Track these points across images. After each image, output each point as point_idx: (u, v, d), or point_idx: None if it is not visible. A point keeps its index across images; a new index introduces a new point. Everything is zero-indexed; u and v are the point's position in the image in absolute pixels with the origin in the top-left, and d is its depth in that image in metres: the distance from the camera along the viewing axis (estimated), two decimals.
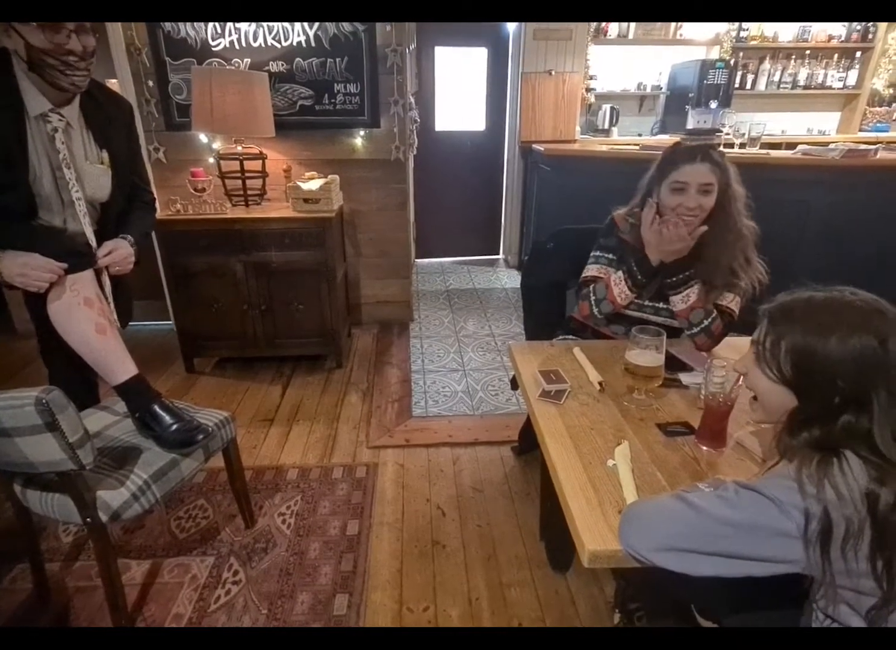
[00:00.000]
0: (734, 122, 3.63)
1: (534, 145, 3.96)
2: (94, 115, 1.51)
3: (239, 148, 2.69)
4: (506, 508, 1.86)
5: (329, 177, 2.79)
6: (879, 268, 2.78)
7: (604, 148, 3.70)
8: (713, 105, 4.04)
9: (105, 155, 1.54)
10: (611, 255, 1.60)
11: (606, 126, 4.48)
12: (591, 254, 1.64)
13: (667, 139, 3.99)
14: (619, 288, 1.54)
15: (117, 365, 1.45)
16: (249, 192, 2.74)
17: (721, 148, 3.34)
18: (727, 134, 3.62)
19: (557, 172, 3.62)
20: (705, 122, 4.15)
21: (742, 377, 1.14)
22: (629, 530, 0.84)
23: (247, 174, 2.71)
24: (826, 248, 2.89)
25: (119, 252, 1.56)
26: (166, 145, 2.92)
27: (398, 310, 3.45)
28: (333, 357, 2.87)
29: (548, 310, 1.95)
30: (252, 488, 1.91)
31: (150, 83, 2.81)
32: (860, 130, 4.64)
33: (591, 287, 1.59)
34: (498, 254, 4.89)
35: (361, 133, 3.03)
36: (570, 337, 1.71)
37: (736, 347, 1.51)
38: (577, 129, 4.26)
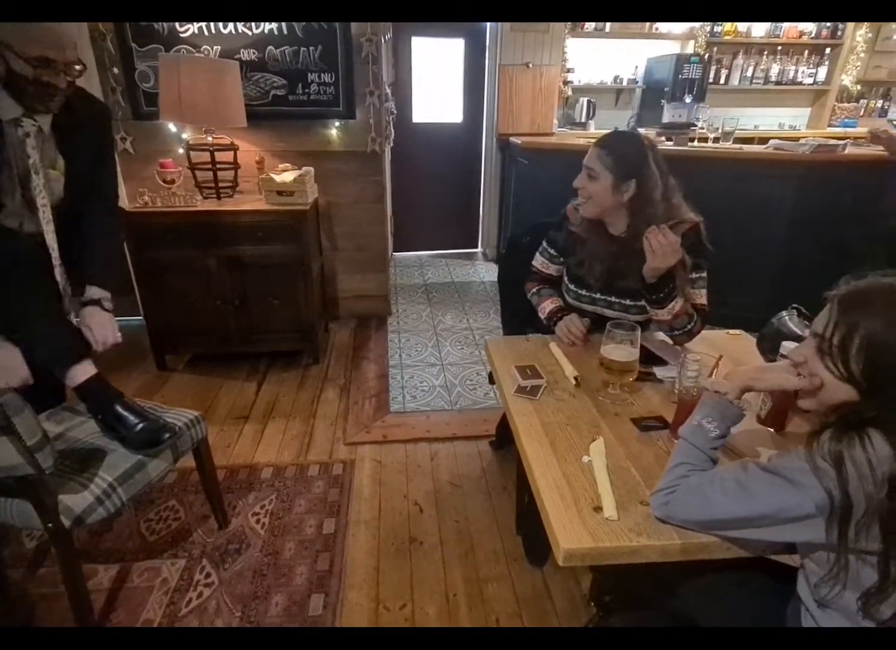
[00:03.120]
0: (708, 116, 3.66)
1: (511, 138, 3.94)
2: (64, 120, 1.44)
3: (209, 138, 2.62)
4: (483, 503, 1.86)
5: (303, 169, 2.73)
6: (849, 261, 2.84)
7: (581, 141, 3.70)
8: (688, 99, 4.07)
9: (61, 161, 1.47)
10: (553, 250, 1.64)
11: (583, 119, 4.48)
12: (542, 243, 1.69)
13: (643, 133, 4.00)
14: (563, 284, 1.63)
15: (74, 365, 1.40)
16: (221, 184, 2.67)
17: (696, 142, 3.38)
18: (701, 128, 3.65)
19: (535, 166, 3.62)
20: (680, 116, 4.17)
21: (718, 367, 1.17)
22: (663, 506, 0.86)
23: (218, 166, 2.63)
24: (796, 242, 2.94)
25: (100, 331, 1.50)
26: (134, 135, 2.82)
27: (376, 304, 3.41)
28: (310, 352, 2.82)
29: (525, 304, 1.95)
30: (225, 488, 1.87)
31: (116, 71, 2.70)
32: (829, 126, 4.74)
33: (537, 290, 1.68)
34: (476, 247, 4.88)
35: (336, 124, 2.97)
36: (542, 334, 1.70)
37: (708, 340, 1.52)
38: (555, 122, 4.26)
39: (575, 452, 1.06)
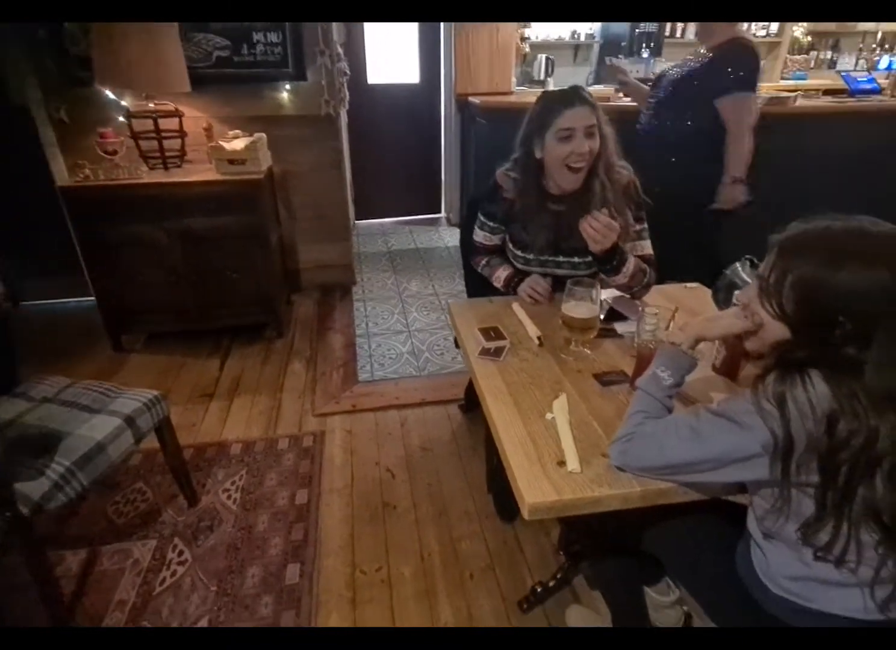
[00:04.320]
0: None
1: (470, 98, 3.84)
2: None
3: (151, 105, 2.47)
4: (454, 465, 1.89)
5: (255, 135, 2.61)
6: (804, 213, 2.91)
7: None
8: (645, 54, 4.04)
9: None
10: (492, 223, 1.61)
11: (542, 77, 4.40)
12: (477, 217, 1.64)
13: (602, 89, 3.96)
14: (509, 250, 1.60)
15: None
16: (167, 154, 2.54)
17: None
18: None
19: (494, 126, 3.54)
20: (638, 71, 4.14)
21: (674, 319, 1.19)
22: (620, 454, 0.89)
23: (163, 134, 2.50)
24: (752, 194, 2.99)
25: None
26: (68, 103, 2.63)
27: (339, 273, 3.35)
28: (273, 326, 2.77)
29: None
30: (194, 466, 1.84)
31: (41, 32, 2.50)
32: (781, 78, 4.78)
33: (486, 261, 1.66)
34: (439, 212, 4.81)
35: (287, 87, 2.84)
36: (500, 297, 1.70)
37: (665, 293, 1.55)
38: (513, 80, 4.16)
39: (539, 410, 1.08)
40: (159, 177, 2.45)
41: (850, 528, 0.73)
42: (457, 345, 2.09)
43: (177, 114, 2.53)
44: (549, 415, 1.05)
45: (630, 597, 1.25)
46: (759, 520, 0.85)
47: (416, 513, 1.70)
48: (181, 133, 2.57)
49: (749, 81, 2.08)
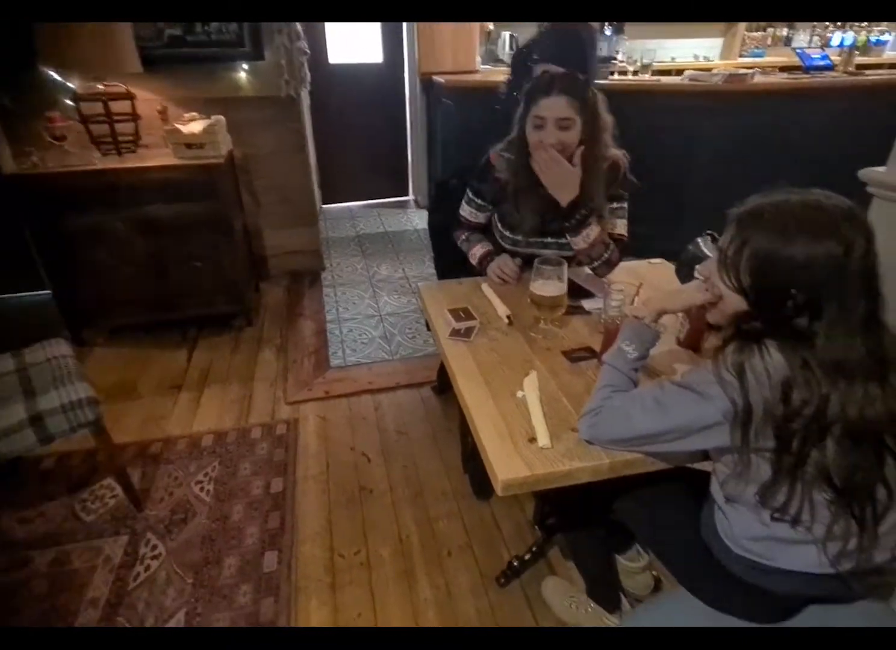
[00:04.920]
0: (627, 49, 3.65)
1: (434, 77, 3.78)
2: None
3: (100, 87, 2.36)
4: (430, 447, 1.90)
5: (213, 118, 2.52)
6: (766, 185, 2.97)
7: (502, 78, 3.61)
8: (608, 31, 4.04)
9: None
10: (480, 200, 1.60)
11: (507, 56, 4.36)
12: (466, 192, 1.63)
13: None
14: (496, 230, 1.58)
15: None
16: (120, 139, 2.43)
17: (616, 75, 3.37)
18: (622, 61, 3.64)
19: (460, 106, 3.51)
20: (601, 49, 4.14)
21: (639, 294, 1.21)
22: (589, 428, 0.91)
23: (114, 117, 2.38)
24: (715, 170, 3.04)
25: None
26: (10, 86, 2.49)
27: (307, 259, 3.30)
28: (242, 314, 2.71)
29: (456, 248, 1.93)
30: (164, 459, 1.81)
31: None
32: (740, 56, 4.85)
33: (466, 236, 1.65)
34: (407, 195, 4.76)
35: (244, 67, 2.74)
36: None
37: (631, 270, 1.57)
38: (478, 59, 4.11)
39: (510, 388, 1.09)
40: (113, 162, 2.35)
41: (804, 490, 0.76)
42: (428, 328, 2.10)
43: (128, 96, 2.42)
44: (519, 393, 1.07)
45: (602, 566, 1.30)
46: (721, 485, 0.88)
47: (392, 496, 1.71)
48: (134, 116, 2.46)
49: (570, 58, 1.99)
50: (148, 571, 1.44)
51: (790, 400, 0.72)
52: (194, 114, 2.55)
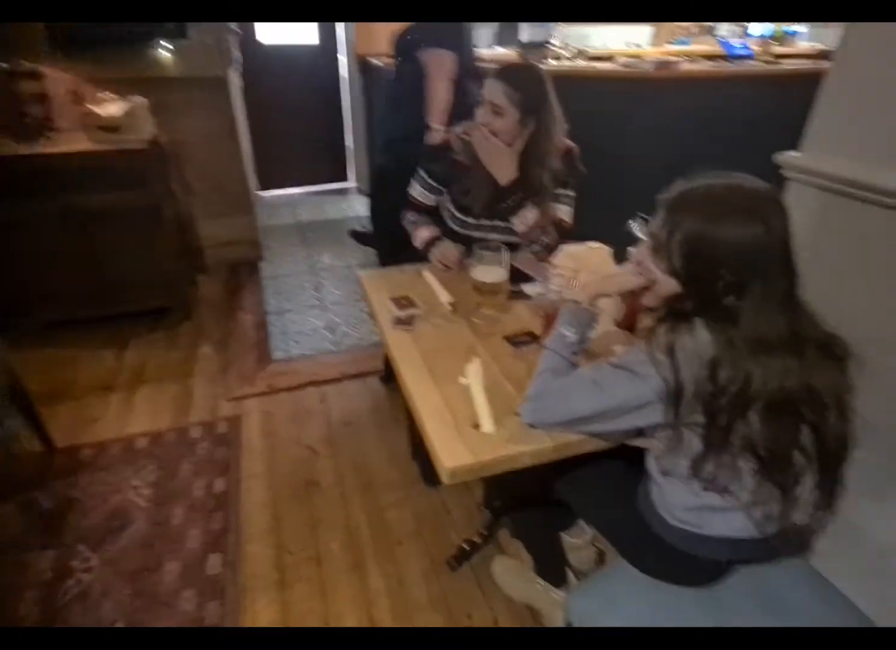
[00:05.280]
0: (562, 34, 3.69)
1: (371, 59, 3.69)
2: None
3: (3, 65, 2.15)
4: (378, 437, 1.89)
5: (133, 100, 2.36)
6: (691, 172, 3.09)
7: None
8: None
9: None
10: (433, 181, 1.58)
11: None
12: (417, 171, 1.61)
13: (503, 52, 3.95)
14: (446, 212, 1.57)
15: None
16: (29, 122, 2.23)
17: (551, 60, 3.40)
18: (557, 47, 3.68)
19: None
20: (538, 34, 4.16)
21: (577, 278, 1.24)
22: (531, 413, 0.92)
23: (23, 99, 2.19)
24: (648, 154, 3.13)
25: None
26: None
27: (245, 249, 3.17)
28: (178, 308, 2.57)
29: (401, 234, 1.90)
30: (98, 465, 1.71)
31: None
32: (669, 43, 4.99)
33: (414, 218, 1.61)
34: (349, 181, 4.65)
35: (167, 45, 2.57)
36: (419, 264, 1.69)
37: (571, 255, 1.60)
38: None
39: (453, 376, 1.09)
40: (21, 148, 2.16)
41: (731, 460, 0.81)
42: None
43: (36, 75, 2.22)
44: (463, 380, 1.07)
45: (548, 544, 1.33)
46: (656, 460, 0.92)
47: (341, 488, 1.69)
48: (43, 98, 2.27)
49: (444, 40, 2.10)
50: (80, 585, 1.35)
51: (717, 377, 0.76)
52: (111, 95, 2.38)
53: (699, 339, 0.76)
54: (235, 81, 3.30)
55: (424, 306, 1.33)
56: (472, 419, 0.97)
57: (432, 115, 2.16)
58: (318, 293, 2.88)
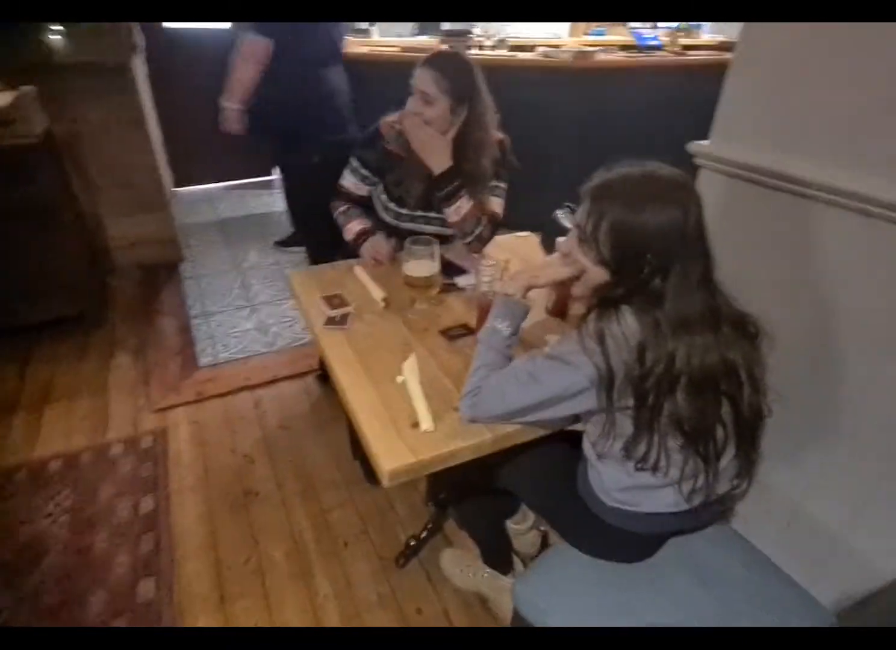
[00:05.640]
0: (484, 23, 3.69)
1: None
2: None
3: None
4: (317, 438, 1.84)
5: (21, 89, 2.14)
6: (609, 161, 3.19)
7: (365, 50, 3.49)
8: None
9: None
10: (365, 171, 1.54)
11: (366, 25, 4.20)
12: (349, 161, 1.56)
13: (426, 41, 3.91)
14: (379, 203, 1.54)
15: None
16: None
17: (474, 50, 3.40)
18: (479, 36, 3.68)
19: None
20: (460, 22, 4.14)
21: (508, 268, 1.25)
22: (470, 409, 0.92)
23: None
24: (570, 143, 3.22)
25: None
26: None
27: (161, 250, 2.97)
28: (87, 317, 2.38)
29: (326, 229, 1.84)
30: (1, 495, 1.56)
31: None
32: (585, 34, 5.13)
33: (345, 209, 1.57)
34: (272, 174, 4.46)
35: (56, 27, 2.34)
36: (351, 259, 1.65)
37: (501, 245, 1.61)
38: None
39: (389, 374, 1.07)
40: None
41: (660, 439, 0.84)
42: None
43: None
44: (399, 378, 1.05)
45: (493, 532, 1.35)
46: (592, 444, 0.94)
47: (281, 495, 1.63)
48: None
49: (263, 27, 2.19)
50: None
51: (645, 360, 0.78)
52: None
53: (627, 325, 0.78)
54: (140, 68, 3.07)
55: (357, 304, 1.30)
56: (411, 418, 0.96)
57: (229, 94, 2.28)
58: (246, 293, 2.75)
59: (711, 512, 0.99)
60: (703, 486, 0.89)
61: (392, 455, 0.88)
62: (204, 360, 2.22)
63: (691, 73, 3.32)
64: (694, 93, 3.18)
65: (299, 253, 3.08)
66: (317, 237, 1.89)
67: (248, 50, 2.17)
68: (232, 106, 2.29)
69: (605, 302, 0.83)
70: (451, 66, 1.37)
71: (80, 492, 1.58)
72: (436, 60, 1.37)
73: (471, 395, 0.92)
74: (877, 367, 1.04)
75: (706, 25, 4.92)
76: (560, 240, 1.30)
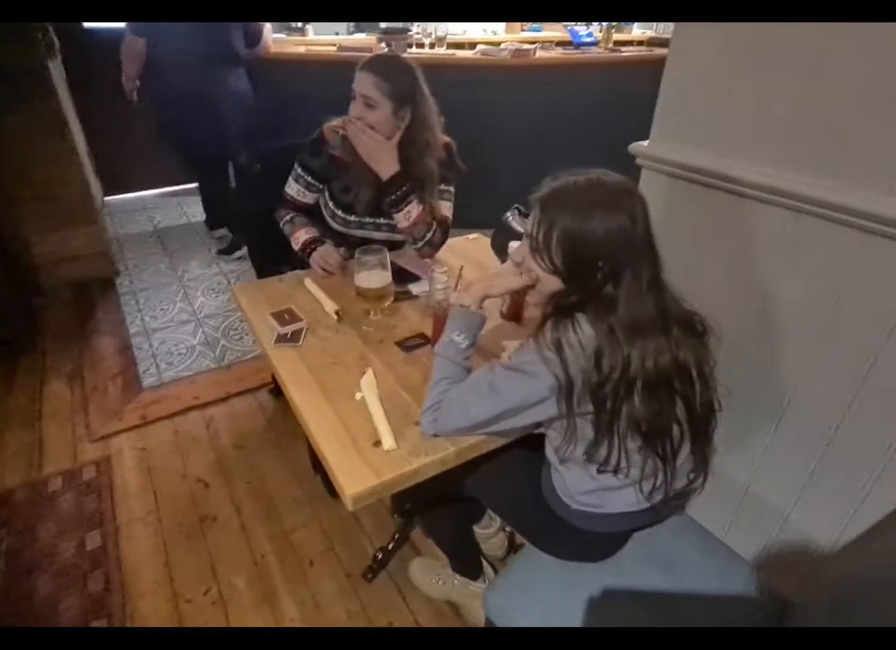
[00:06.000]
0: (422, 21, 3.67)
1: None
2: None
3: None
4: (274, 456, 1.78)
5: None
6: (567, 155, 3.22)
7: (301, 49, 3.40)
8: None
9: None
10: (310, 178, 1.50)
11: (300, 24, 4.09)
12: (294, 168, 1.52)
13: (363, 39, 3.85)
14: (326, 210, 1.52)
15: None
16: None
17: (414, 48, 3.38)
18: (418, 34, 3.65)
19: (254, 79, 3.22)
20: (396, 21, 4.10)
21: (462, 276, 1.24)
22: (432, 423, 0.91)
23: None
24: (513, 142, 3.24)
25: None
26: None
27: (93, 264, 2.80)
28: (12, 341, 2.22)
29: (272, 240, 1.78)
30: None
31: None
32: (522, 31, 5.19)
33: (290, 218, 1.52)
34: None
35: None
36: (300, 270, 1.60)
37: (449, 247, 1.60)
38: (268, 26, 3.79)
39: (347, 391, 1.04)
40: None
41: (619, 441, 0.85)
42: None
43: None
44: (358, 395, 1.03)
45: (461, 539, 1.35)
46: (554, 449, 0.95)
47: (240, 518, 1.57)
48: None
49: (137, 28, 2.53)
50: None
51: (602, 366, 0.79)
52: None
53: (583, 333, 0.79)
54: (58, 71, 2.87)
55: (309, 318, 1.26)
56: (372, 436, 0.93)
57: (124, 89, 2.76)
58: (190, 306, 2.63)
59: (671, 506, 1.01)
60: (662, 484, 0.91)
61: (354, 478, 0.86)
62: (148, 381, 2.10)
63: (626, 68, 3.41)
64: (629, 87, 3.28)
65: (245, 260, 2.98)
66: (262, 248, 1.82)
67: (126, 47, 2.54)
68: (133, 99, 2.79)
69: (559, 310, 0.83)
70: (391, 69, 1.34)
71: (17, 533, 1.47)
72: (375, 63, 1.34)
73: (432, 410, 0.91)
74: (812, 354, 1.10)
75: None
76: (512, 245, 1.31)
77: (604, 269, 0.80)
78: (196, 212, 3.78)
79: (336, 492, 1.59)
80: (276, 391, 2.05)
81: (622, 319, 0.80)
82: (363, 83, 1.33)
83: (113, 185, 3.82)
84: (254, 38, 2.84)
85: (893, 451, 1.01)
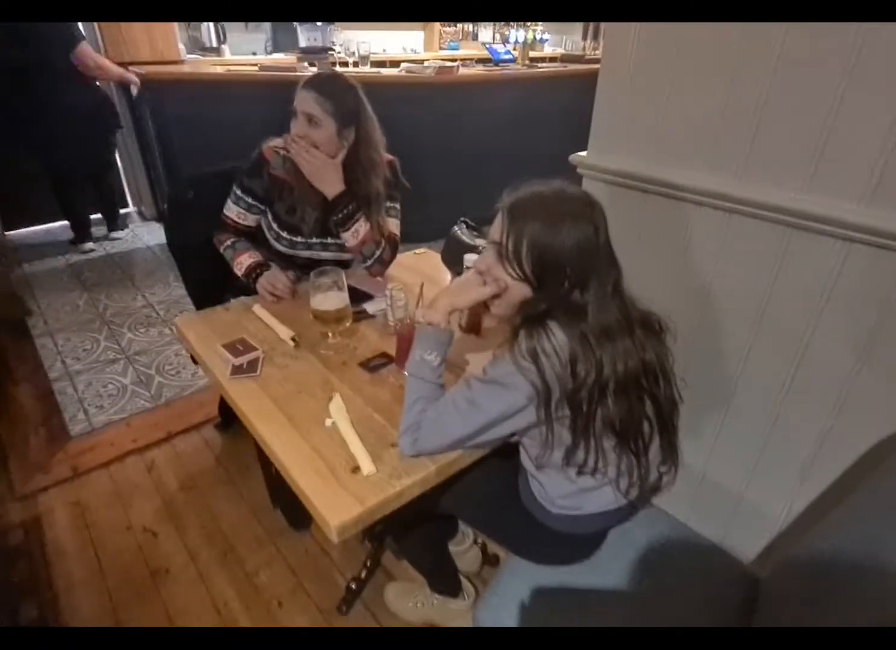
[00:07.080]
0: (343, 40, 3.67)
1: (129, 68, 3.24)
2: None
3: None
4: (227, 493, 1.68)
5: None
6: (493, 166, 3.27)
7: (219, 69, 3.29)
8: (320, 23, 3.99)
9: None
10: (250, 199, 1.45)
11: (215, 44, 3.98)
12: (233, 190, 1.46)
13: (283, 58, 3.80)
14: (271, 232, 1.48)
15: None
16: None
17: (337, 67, 3.37)
18: (339, 52, 3.65)
19: (173, 102, 3.08)
20: (316, 40, 4.09)
21: (423, 293, 1.23)
22: (412, 444, 0.89)
23: None
24: (442, 157, 3.29)
25: None
26: None
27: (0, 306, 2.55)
28: None
29: (210, 268, 1.69)
30: None
31: None
32: (441, 48, 5.32)
33: (231, 243, 1.47)
34: (126, 206, 4.04)
35: None
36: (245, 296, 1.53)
37: (398, 263, 1.58)
38: (181, 47, 3.65)
39: (316, 418, 1.00)
40: None
41: (596, 442, 0.87)
42: (195, 360, 1.82)
43: None
44: (328, 421, 0.99)
45: (438, 557, 1.32)
46: (532, 457, 0.96)
47: (196, 566, 1.46)
48: None
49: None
50: None
51: (577, 372, 0.81)
52: None
53: (557, 340, 0.81)
54: None
55: (264, 346, 1.20)
56: (350, 462, 0.90)
57: None
58: (116, 344, 2.44)
59: (643, 500, 1.05)
60: (637, 480, 0.94)
61: (337, 508, 0.82)
62: (76, 428, 1.93)
63: (542, 82, 3.57)
64: (546, 99, 3.43)
65: (172, 289, 2.82)
66: (196, 278, 1.72)
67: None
68: None
69: (530, 319, 0.85)
70: (333, 87, 1.33)
71: None
72: (317, 82, 1.32)
73: (411, 431, 0.89)
74: (751, 342, 1.18)
75: (548, 39, 5.32)
76: (471, 256, 1.32)
77: (571, 278, 0.83)
78: (114, 242, 3.55)
79: (299, 524, 1.54)
80: (222, 425, 1.94)
81: (593, 325, 0.83)
82: (306, 101, 1.30)
83: (12, 218, 3.50)
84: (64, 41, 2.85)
85: (831, 426, 1.11)
